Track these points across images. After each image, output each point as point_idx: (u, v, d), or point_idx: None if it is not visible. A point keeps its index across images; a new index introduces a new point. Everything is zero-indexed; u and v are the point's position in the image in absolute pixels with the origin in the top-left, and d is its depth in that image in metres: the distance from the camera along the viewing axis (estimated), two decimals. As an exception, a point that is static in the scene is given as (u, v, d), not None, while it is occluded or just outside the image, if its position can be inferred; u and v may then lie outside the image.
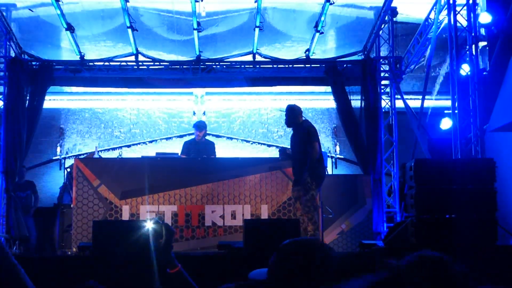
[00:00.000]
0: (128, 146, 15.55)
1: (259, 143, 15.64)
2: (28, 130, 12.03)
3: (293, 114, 9.45)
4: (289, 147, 9.96)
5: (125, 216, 10.03)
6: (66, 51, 13.43)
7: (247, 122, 15.73)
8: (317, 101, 15.60)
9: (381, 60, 12.82)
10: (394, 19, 12.68)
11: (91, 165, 10.23)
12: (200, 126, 11.65)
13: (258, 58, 13.16)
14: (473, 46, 10.52)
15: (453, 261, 2.12)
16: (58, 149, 15.36)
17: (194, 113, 15.32)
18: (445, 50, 12.49)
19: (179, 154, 11.52)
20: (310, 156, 9.03)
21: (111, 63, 12.95)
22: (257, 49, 13.03)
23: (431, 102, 14.33)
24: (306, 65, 13.05)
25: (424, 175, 8.11)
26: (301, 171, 9.11)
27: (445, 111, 14.30)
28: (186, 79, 13.34)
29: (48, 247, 11.74)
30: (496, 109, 10.73)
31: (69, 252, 10.20)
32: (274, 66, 13.13)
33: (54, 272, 7.35)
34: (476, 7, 11.07)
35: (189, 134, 14.24)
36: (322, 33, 12.61)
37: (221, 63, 13.11)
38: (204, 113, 15.27)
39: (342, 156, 15.43)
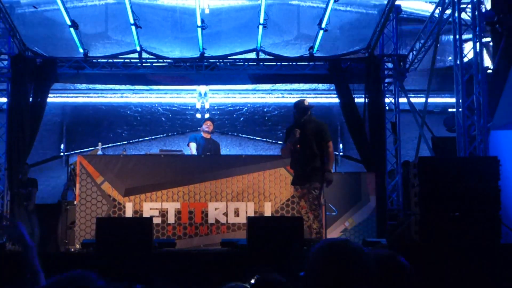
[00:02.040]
0: (132, 143, 15.57)
1: (262, 140, 15.65)
2: (32, 127, 12.04)
3: (298, 109, 9.23)
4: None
5: (129, 213, 10.03)
6: (70, 48, 13.44)
7: (250, 120, 15.73)
8: (321, 98, 15.59)
9: (385, 58, 12.80)
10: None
11: (95, 162, 10.23)
12: (213, 119, 11.70)
13: (261, 55, 13.14)
14: (478, 44, 10.49)
15: None
16: (62, 146, 15.38)
17: (197, 110, 15.32)
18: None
19: (187, 144, 11.52)
20: (328, 155, 8.88)
21: (115, 60, 12.95)
22: (260, 47, 13.02)
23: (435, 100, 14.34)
24: (310, 63, 13.03)
25: (428, 173, 8.10)
26: (310, 167, 8.89)
27: (449, 109, 14.31)
28: (189, 76, 13.34)
29: (52, 244, 11.75)
30: (500, 107, 10.71)
31: (72, 249, 10.20)
32: (278, 63, 13.11)
33: (57, 269, 7.35)
34: (481, 5, 11.04)
35: (192, 131, 14.27)
36: (326, 30, 12.60)
37: (224, 61, 13.10)
38: (207, 110, 15.27)
39: (345, 154, 15.42)
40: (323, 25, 12.47)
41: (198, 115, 15.02)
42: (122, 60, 12.97)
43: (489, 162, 8.24)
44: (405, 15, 13.79)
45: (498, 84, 10.97)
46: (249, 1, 12.87)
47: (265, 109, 15.73)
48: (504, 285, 7.14)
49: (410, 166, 8.56)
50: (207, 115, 14.84)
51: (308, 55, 13.12)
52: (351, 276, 2.05)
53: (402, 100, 13.01)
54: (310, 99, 15.29)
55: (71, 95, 15.53)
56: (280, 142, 15.23)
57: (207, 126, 11.50)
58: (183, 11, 13.29)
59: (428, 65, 12.34)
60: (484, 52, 11.55)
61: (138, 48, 12.97)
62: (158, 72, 13.24)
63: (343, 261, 2.08)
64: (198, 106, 15.40)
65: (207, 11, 12.90)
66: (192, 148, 11.31)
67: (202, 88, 15.19)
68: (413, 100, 12.77)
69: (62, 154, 15.38)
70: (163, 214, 10.07)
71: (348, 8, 13.28)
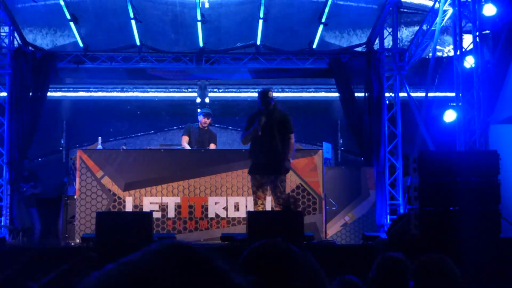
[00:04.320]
0: (132, 137, 15.57)
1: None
2: (32, 122, 12.05)
3: (263, 99, 9.01)
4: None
5: (129, 207, 10.05)
6: (70, 43, 13.43)
7: (251, 114, 15.71)
8: (321, 93, 15.58)
9: (385, 52, 12.79)
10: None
11: (95, 156, 10.24)
12: (209, 114, 11.58)
13: (261, 50, 13.13)
14: (478, 38, 10.48)
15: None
16: (62, 140, 15.38)
17: (198, 105, 15.31)
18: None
19: (181, 135, 11.48)
20: (289, 145, 8.87)
21: (115, 53, 12.95)
22: (261, 41, 13.01)
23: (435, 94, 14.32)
24: (310, 57, 13.02)
25: (428, 167, 8.10)
26: (274, 158, 8.86)
27: (450, 104, 14.29)
28: (189, 70, 13.34)
29: (52, 238, 11.78)
30: (500, 101, 10.72)
31: (72, 243, 10.22)
32: (278, 58, 13.11)
33: (57, 263, 7.37)
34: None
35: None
36: (326, 24, 12.58)
37: (224, 55, 13.09)
38: (207, 105, 15.26)
39: (345, 149, 15.41)
40: (323, 20, 12.45)
41: (199, 110, 15.01)
42: (122, 55, 12.98)
43: (488, 156, 8.24)
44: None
45: (498, 78, 10.97)
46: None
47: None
48: (504, 279, 7.16)
49: (410, 160, 8.56)
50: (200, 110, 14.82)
51: (308, 49, 13.11)
52: (280, 277, 1.99)
53: (402, 94, 13.01)
54: (310, 93, 15.38)
55: (71, 89, 15.53)
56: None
57: (203, 123, 11.41)
58: (183, 5, 13.26)
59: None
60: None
61: (138, 43, 12.95)
62: (158, 66, 13.24)
63: (270, 263, 2.02)
64: (198, 100, 15.40)
65: (206, 5, 12.88)
66: (184, 142, 11.26)
67: (202, 83, 15.19)
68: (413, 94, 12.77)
69: (62, 148, 15.39)
70: (163, 208, 10.09)
71: (348, 3, 13.22)
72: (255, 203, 9.00)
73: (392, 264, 3.73)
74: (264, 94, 9.06)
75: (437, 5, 11.81)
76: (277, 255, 2.00)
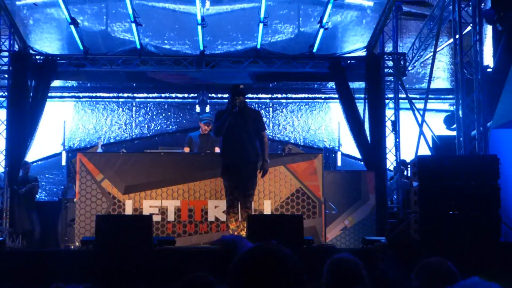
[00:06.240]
0: (132, 140, 15.57)
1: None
2: (32, 124, 12.05)
3: (233, 92, 8.66)
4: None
5: (128, 210, 10.03)
6: (70, 46, 13.44)
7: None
8: (321, 96, 15.59)
9: (385, 56, 12.81)
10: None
11: (95, 159, 10.23)
12: (210, 122, 11.52)
13: (262, 53, 13.14)
14: (478, 43, 10.49)
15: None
16: (62, 143, 15.37)
17: (198, 109, 15.32)
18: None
19: (184, 143, 11.42)
20: (263, 144, 8.75)
21: (115, 57, 12.96)
22: (261, 44, 13.02)
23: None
24: (310, 61, 13.03)
25: (428, 172, 8.10)
26: (248, 158, 8.68)
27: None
28: (190, 74, 13.34)
29: (52, 241, 11.76)
30: (499, 106, 10.72)
31: (72, 246, 10.21)
32: (278, 61, 13.11)
33: (57, 266, 7.36)
34: (482, 3, 11.05)
35: (192, 128, 14.25)
36: (327, 28, 12.60)
37: (225, 58, 13.10)
38: (208, 108, 15.27)
39: (345, 152, 15.41)
40: (324, 23, 12.47)
41: (199, 114, 15.01)
42: (122, 58, 12.98)
43: (488, 161, 8.24)
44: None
45: (498, 83, 10.98)
46: (250, 3, 12.91)
47: (264, 107, 15.73)
48: (504, 284, 7.15)
49: (409, 164, 8.56)
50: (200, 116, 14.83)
51: (309, 53, 13.13)
52: (273, 283, 1.99)
53: (402, 98, 13.02)
54: (311, 97, 15.37)
55: (72, 92, 15.54)
56: (282, 140, 15.22)
57: (204, 130, 11.33)
58: (183, 9, 13.29)
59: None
60: (484, 50, 11.55)
61: (138, 46, 12.97)
62: (158, 69, 13.26)
63: (265, 268, 2.01)
64: (198, 103, 15.40)
65: (207, 6, 12.92)
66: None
67: (203, 86, 15.19)
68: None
69: (62, 151, 15.37)
70: (163, 211, 10.07)
71: (349, 6, 13.26)
72: (231, 206, 8.80)
73: (343, 266, 3.73)
74: (235, 86, 8.77)
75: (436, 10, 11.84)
76: (268, 258, 2.01)
